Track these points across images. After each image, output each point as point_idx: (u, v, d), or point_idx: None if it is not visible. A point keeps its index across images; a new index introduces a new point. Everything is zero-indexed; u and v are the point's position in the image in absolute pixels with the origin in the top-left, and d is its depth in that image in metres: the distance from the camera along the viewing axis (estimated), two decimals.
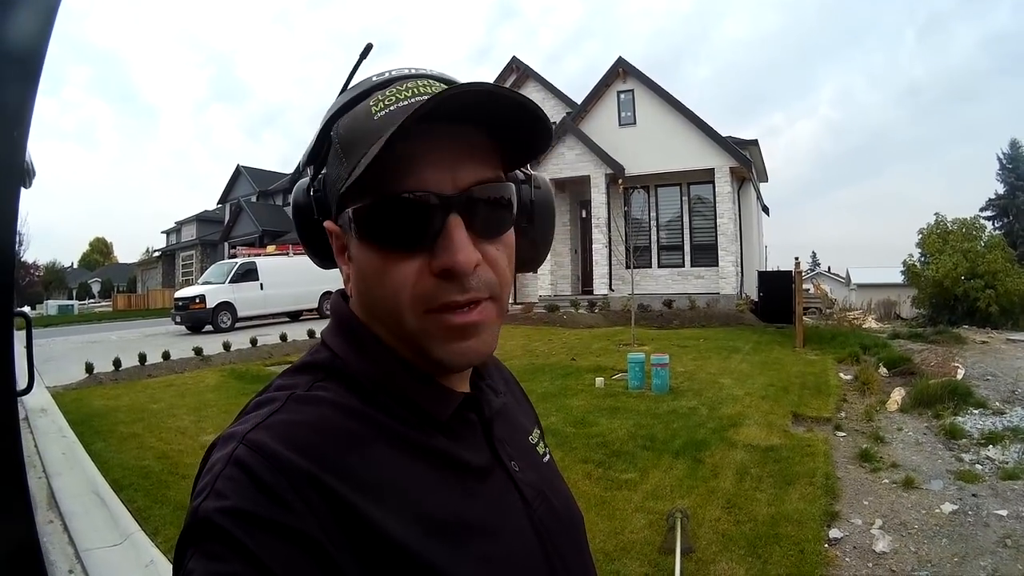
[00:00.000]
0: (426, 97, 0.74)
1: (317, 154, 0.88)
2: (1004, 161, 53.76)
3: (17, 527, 1.07)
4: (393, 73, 0.87)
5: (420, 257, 0.76)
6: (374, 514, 0.69)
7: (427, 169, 0.76)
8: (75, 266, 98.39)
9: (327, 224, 0.87)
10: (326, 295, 23.68)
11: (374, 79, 0.86)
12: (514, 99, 0.74)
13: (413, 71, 0.87)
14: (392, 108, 0.78)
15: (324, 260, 0.95)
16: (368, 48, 0.95)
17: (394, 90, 0.80)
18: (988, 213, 52.32)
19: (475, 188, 0.78)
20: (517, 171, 0.93)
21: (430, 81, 0.84)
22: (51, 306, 52.18)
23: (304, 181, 0.91)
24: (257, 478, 0.67)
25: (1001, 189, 53.57)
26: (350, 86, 0.89)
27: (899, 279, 28.46)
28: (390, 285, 0.77)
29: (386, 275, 0.77)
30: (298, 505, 0.66)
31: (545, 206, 0.98)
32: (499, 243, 0.82)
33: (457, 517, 0.77)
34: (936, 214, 23.34)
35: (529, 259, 0.98)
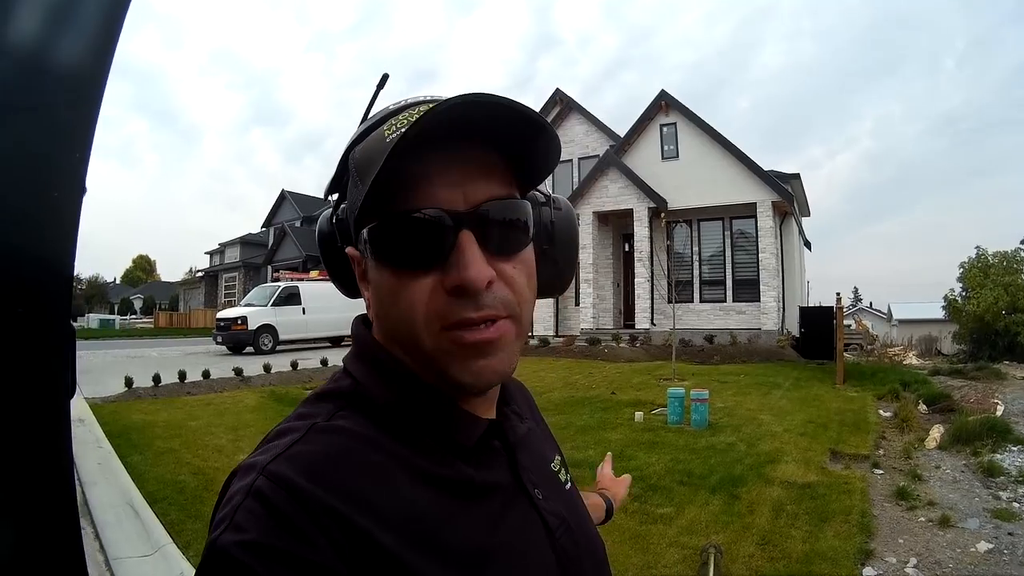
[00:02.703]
0: None
1: (338, 183, 0.91)
2: None
3: (62, 530, 1.12)
4: (408, 100, 0.88)
5: (433, 275, 0.76)
6: (395, 547, 0.69)
7: (438, 187, 0.77)
8: (117, 282, 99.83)
9: (349, 250, 0.89)
10: None
11: (391, 107, 0.88)
12: (516, 110, 0.74)
13: (429, 98, 0.87)
14: (402, 130, 0.75)
15: (349, 289, 0.96)
16: (384, 78, 0.96)
17: (406, 114, 0.80)
18: None
19: (487, 205, 0.78)
20: (537, 193, 0.94)
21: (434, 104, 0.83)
22: (92, 319, 52.85)
23: (328, 210, 0.94)
24: (277, 511, 0.67)
25: None
26: (369, 116, 0.91)
27: (940, 314, 28.22)
28: (405, 304, 0.77)
29: (400, 294, 0.77)
30: (318, 538, 0.66)
31: (566, 227, 0.99)
32: (516, 261, 0.82)
33: (478, 548, 0.76)
34: (977, 247, 23.20)
35: (552, 283, 0.98)
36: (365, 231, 0.80)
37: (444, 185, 0.77)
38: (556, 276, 0.99)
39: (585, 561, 0.92)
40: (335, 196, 0.94)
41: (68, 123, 1.03)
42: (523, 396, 1.13)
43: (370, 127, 0.86)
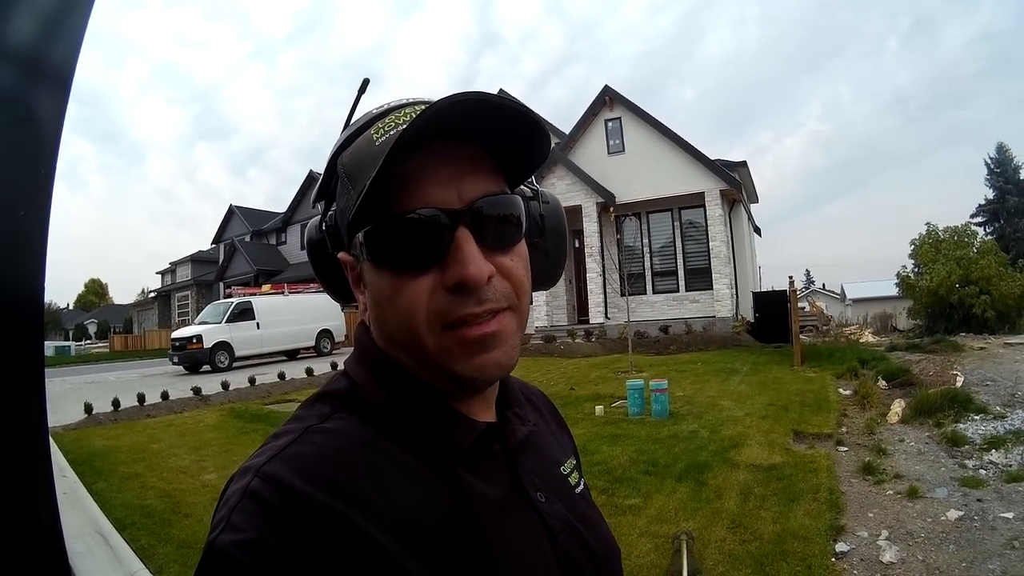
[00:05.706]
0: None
1: (326, 190, 0.90)
2: (992, 165, 54.04)
3: (52, 560, 1.10)
4: (392, 104, 0.87)
5: (432, 274, 0.77)
6: (390, 546, 0.69)
7: (432, 187, 0.77)
8: (71, 307, 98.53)
9: (341, 256, 0.88)
10: (323, 333, 24.00)
11: (374, 111, 0.88)
12: (509, 107, 0.75)
13: (411, 99, 0.87)
14: (392, 133, 0.78)
15: (341, 296, 0.96)
16: (366, 83, 0.97)
17: (393, 117, 0.82)
18: (979, 219, 52.57)
19: (481, 201, 0.78)
20: (524, 187, 0.94)
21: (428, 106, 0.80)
22: (48, 347, 51.87)
23: (317, 218, 0.93)
24: (272, 510, 0.67)
25: (990, 194, 53.81)
26: (352, 121, 0.91)
27: (894, 291, 28.63)
28: (404, 305, 0.77)
29: (399, 296, 0.77)
30: (314, 536, 0.66)
31: (555, 220, 0.99)
32: (512, 254, 0.82)
33: (474, 552, 0.76)
34: (927, 223, 23.58)
35: (545, 275, 0.99)
36: (360, 235, 0.79)
37: (438, 184, 0.77)
38: (548, 268, 1.00)
39: (592, 565, 0.90)
40: (322, 203, 0.93)
41: (32, 135, 1.00)
42: (530, 400, 1.12)
43: (356, 132, 0.86)
